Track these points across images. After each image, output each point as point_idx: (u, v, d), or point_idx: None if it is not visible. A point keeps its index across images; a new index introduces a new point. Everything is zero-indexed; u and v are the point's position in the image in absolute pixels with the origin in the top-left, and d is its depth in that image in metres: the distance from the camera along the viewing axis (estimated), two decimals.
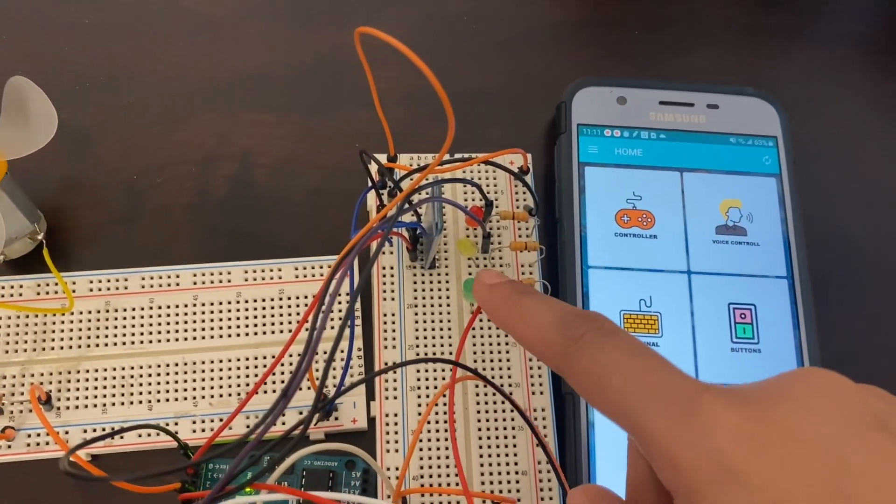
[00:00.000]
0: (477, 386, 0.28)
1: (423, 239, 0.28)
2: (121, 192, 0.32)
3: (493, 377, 0.28)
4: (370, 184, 0.28)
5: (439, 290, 0.30)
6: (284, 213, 0.32)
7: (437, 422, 0.28)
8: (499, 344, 0.29)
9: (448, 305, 0.29)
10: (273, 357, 0.29)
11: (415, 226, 0.27)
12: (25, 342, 0.28)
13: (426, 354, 0.29)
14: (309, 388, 0.28)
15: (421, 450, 0.27)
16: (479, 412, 0.28)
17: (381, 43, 0.17)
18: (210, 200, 0.32)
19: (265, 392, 0.28)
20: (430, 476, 0.27)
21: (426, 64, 0.16)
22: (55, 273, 0.28)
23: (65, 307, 0.29)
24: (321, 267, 0.30)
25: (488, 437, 0.28)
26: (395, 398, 0.28)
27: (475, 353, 0.29)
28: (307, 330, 0.20)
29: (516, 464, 0.27)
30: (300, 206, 0.32)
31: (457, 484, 0.27)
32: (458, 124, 0.18)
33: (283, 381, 0.28)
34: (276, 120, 0.33)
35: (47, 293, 0.29)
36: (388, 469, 0.27)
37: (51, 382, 0.28)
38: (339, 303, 0.30)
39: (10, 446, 0.27)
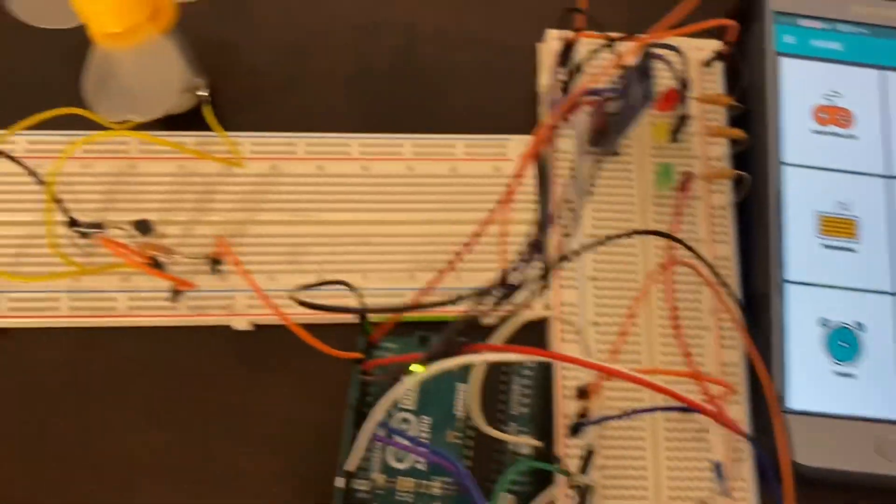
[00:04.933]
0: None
1: (616, 117, 0.26)
2: (279, 58, 0.30)
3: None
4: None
5: (621, 178, 0.28)
6: (451, 89, 0.30)
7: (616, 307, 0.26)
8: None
9: (631, 196, 0.27)
10: (443, 236, 0.27)
11: (622, 92, 0.24)
12: (188, 202, 0.27)
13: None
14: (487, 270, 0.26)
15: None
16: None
17: None
18: (373, 70, 0.30)
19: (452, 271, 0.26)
20: None
21: None
22: (219, 131, 0.27)
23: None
24: (494, 146, 0.28)
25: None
26: (576, 288, 0.26)
27: None
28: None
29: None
30: (468, 82, 0.30)
31: None
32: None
33: (467, 268, 0.26)
34: None
35: (210, 153, 0.27)
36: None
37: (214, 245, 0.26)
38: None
39: (174, 308, 0.26)
